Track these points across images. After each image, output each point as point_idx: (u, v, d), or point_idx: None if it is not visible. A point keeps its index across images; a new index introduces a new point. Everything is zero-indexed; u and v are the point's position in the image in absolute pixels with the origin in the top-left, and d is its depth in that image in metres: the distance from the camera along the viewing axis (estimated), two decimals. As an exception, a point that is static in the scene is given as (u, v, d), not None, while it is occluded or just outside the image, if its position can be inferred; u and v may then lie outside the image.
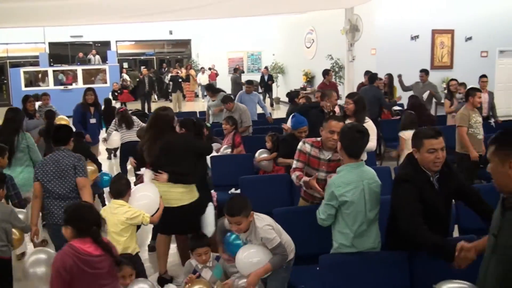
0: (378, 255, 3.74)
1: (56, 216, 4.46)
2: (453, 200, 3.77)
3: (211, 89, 10.53)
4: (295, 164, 4.55)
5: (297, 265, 4.17)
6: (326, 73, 11.89)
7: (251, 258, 3.75)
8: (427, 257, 3.54)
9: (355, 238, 3.65)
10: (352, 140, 3.72)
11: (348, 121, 4.93)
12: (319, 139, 4.52)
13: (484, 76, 9.94)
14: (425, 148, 3.35)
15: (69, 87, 19.80)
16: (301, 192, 4.80)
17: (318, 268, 3.62)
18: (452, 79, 10.07)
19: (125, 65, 24.40)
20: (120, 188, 4.44)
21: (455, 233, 4.76)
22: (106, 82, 20.11)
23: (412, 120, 7.56)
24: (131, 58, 25.69)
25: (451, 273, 3.11)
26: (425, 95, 10.37)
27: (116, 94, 16.83)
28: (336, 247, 3.75)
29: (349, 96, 5.97)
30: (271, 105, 20.09)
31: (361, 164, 3.75)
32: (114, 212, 4.33)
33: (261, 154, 6.93)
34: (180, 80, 19.72)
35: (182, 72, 21.95)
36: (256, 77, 20.38)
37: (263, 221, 3.77)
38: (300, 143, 4.59)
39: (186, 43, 25.48)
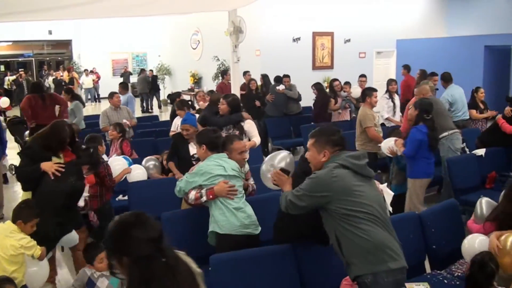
0: (266, 250, 3.85)
1: None
2: None
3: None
4: None
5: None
6: (224, 73, 12.06)
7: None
8: (310, 246, 3.75)
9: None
10: (213, 138, 4.33)
11: None
12: None
13: (363, 75, 10.54)
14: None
15: None
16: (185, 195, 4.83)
17: (210, 269, 3.62)
18: (335, 79, 10.49)
19: (1, 67, 22.82)
20: (21, 214, 4.06)
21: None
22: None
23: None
24: (8, 60, 24.05)
25: (334, 260, 3.27)
26: (280, 87, 10.77)
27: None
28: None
29: (224, 97, 6.11)
30: (159, 107, 19.82)
31: (223, 155, 4.30)
32: (8, 235, 3.94)
33: (147, 162, 6.68)
34: (63, 83, 18.81)
35: (65, 75, 20.97)
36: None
37: None
38: None
39: (66, 44, 24.24)
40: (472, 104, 8.65)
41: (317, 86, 10.50)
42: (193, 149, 5.71)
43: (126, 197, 5.95)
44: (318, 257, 3.71)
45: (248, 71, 12.14)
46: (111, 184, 5.45)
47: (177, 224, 4.44)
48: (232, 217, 4.05)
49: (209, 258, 3.63)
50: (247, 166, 4.78)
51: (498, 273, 3.23)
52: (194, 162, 5.30)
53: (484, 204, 4.50)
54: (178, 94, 10.82)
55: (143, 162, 6.61)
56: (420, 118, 5.78)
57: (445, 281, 3.93)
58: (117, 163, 5.79)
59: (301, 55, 14.93)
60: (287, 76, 11.11)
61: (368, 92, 7.32)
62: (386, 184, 4.54)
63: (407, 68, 12.22)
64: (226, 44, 9.59)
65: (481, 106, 8.56)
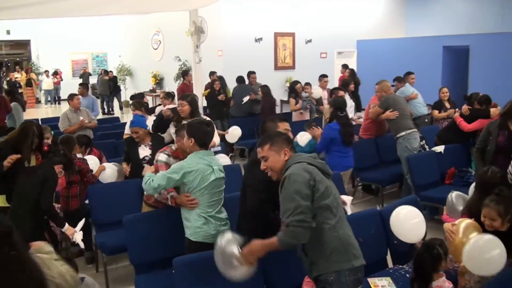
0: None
1: None
2: None
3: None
4: None
5: (151, 272, 4.10)
6: (185, 73, 12.00)
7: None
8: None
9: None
10: (204, 133, 4.00)
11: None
12: (174, 147, 4.60)
13: (324, 75, 10.64)
14: None
15: None
16: (145, 197, 4.80)
17: (173, 271, 3.58)
18: (296, 82, 10.53)
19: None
20: None
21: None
22: None
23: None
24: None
25: (297, 258, 3.28)
26: (245, 99, 10.81)
27: None
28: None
29: (183, 98, 5.92)
30: (120, 108, 19.52)
31: (211, 152, 4.08)
32: None
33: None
34: (17, 85, 18.28)
35: (22, 76, 20.42)
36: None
37: None
38: (162, 156, 4.56)
39: (25, 44, 23.53)
40: (438, 103, 8.80)
41: (264, 89, 10.52)
42: (143, 151, 5.64)
43: (87, 201, 5.82)
44: (281, 256, 3.70)
45: (215, 72, 12.17)
46: (93, 180, 5.58)
47: (140, 227, 4.36)
48: (207, 225, 3.93)
49: (172, 261, 3.58)
50: None
51: (446, 259, 3.29)
52: (144, 165, 5.19)
53: (454, 198, 4.65)
54: (141, 95, 10.69)
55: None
56: (334, 116, 6.12)
57: (407, 275, 3.98)
58: (90, 162, 5.80)
59: (263, 56, 14.96)
60: (253, 72, 11.27)
61: (335, 91, 7.59)
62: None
63: (345, 67, 12.63)
64: (187, 45, 9.53)
65: (447, 105, 8.68)
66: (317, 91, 10.20)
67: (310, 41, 16.17)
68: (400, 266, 4.18)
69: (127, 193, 5.49)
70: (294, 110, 10.23)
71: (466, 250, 3.30)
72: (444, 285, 3.23)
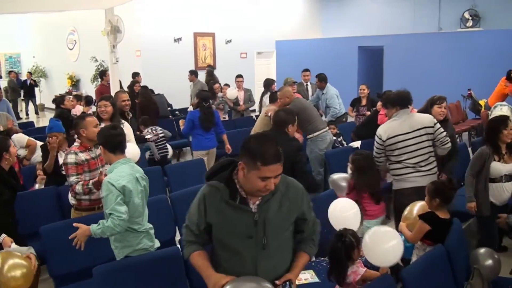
0: (151, 255, 3.69)
1: None
2: None
3: None
4: (74, 180, 4.33)
5: (71, 283, 3.94)
6: (103, 74, 11.65)
7: None
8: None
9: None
10: (109, 136, 3.71)
11: (103, 125, 4.82)
12: (77, 143, 4.48)
13: (239, 76, 10.71)
14: None
15: None
16: (75, 202, 4.57)
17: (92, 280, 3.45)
18: (214, 82, 10.56)
19: None
20: None
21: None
22: None
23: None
24: None
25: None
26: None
27: None
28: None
29: (105, 98, 5.71)
30: (36, 112, 18.61)
31: (129, 160, 3.76)
32: None
33: None
34: None
35: None
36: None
37: None
38: (70, 157, 4.38)
39: None
40: (357, 100, 9.04)
41: (141, 91, 10.10)
42: (61, 158, 5.32)
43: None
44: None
45: (138, 73, 12.05)
46: None
47: (59, 236, 4.05)
48: (145, 238, 3.77)
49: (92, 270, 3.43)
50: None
51: (358, 248, 3.40)
52: (63, 172, 4.96)
53: (337, 180, 5.26)
54: (63, 98, 10.24)
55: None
56: (199, 105, 7.30)
57: (329, 266, 4.07)
58: None
59: (183, 56, 14.88)
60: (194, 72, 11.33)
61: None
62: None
63: (209, 71, 12.71)
64: (104, 44, 9.28)
65: (363, 102, 8.91)
66: (231, 93, 10.32)
67: (230, 41, 16.27)
68: (322, 259, 4.25)
69: (45, 201, 5.21)
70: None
71: (365, 242, 3.40)
72: (358, 270, 3.32)
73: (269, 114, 6.41)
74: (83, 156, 4.39)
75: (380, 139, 4.92)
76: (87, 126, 4.41)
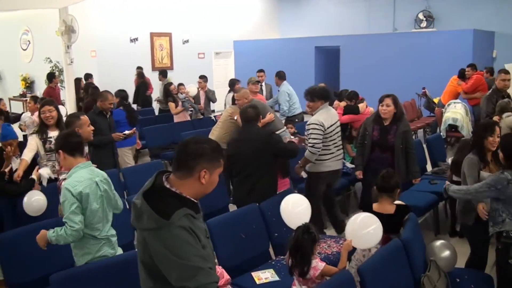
0: (110, 260, 3.62)
1: None
2: None
3: None
4: None
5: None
6: (52, 76, 11.48)
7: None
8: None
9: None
10: (65, 136, 3.71)
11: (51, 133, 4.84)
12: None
13: (202, 76, 10.61)
14: None
15: None
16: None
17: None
18: (169, 83, 10.33)
19: None
20: None
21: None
22: None
23: None
24: None
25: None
26: None
27: None
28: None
29: (48, 103, 5.43)
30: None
31: (89, 164, 3.70)
32: None
33: None
34: None
35: None
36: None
37: None
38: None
39: None
40: None
41: (91, 91, 9.35)
42: (15, 165, 5.11)
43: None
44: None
45: (91, 74, 11.91)
46: None
47: (16, 244, 3.96)
48: (106, 245, 3.67)
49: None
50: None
51: (319, 241, 3.47)
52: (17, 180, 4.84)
53: None
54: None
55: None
56: (120, 104, 7.73)
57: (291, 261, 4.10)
58: None
59: (140, 56, 14.68)
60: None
61: None
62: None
63: (139, 73, 12.87)
64: (59, 45, 9.09)
65: None
66: (193, 89, 10.13)
67: (187, 41, 16.17)
68: (282, 257, 4.30)
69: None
70: (176, 113, 9.87)
71: (348, 228, 3.66)
72: (317, 265, 3.37)
73: (235, 118, 6.39)
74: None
75: (322, 126, 5.37)
76: (82, 125, 4.43)
